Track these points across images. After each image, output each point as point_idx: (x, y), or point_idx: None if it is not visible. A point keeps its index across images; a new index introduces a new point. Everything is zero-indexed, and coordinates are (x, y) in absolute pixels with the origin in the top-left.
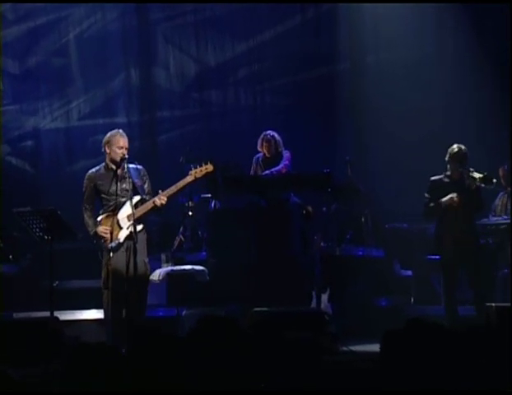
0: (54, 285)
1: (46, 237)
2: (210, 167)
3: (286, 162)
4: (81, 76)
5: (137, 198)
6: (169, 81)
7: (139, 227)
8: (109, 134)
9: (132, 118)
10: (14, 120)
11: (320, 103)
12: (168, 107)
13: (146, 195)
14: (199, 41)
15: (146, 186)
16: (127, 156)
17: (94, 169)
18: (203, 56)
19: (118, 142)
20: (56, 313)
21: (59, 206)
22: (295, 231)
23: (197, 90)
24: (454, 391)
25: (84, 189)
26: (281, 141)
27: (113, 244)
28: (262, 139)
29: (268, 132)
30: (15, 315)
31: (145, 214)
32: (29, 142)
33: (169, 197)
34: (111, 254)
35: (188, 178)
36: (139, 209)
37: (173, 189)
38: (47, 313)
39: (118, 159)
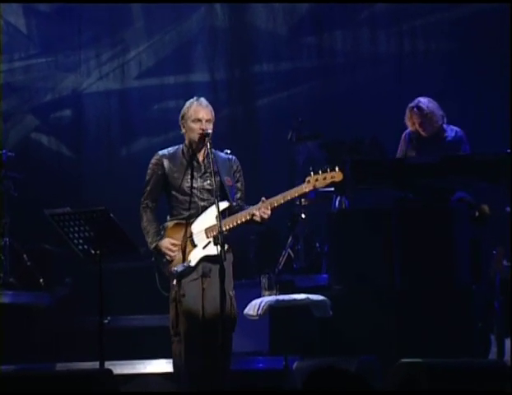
0: (105, 321)
1: (93, 251)
2: (338, 176)
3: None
4: (143, 14)
5: (224, 205)
6: (271, 21)
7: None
8: (184, 106)
9: (218, 74)
10: (44, 79)
11: (499, 49)
12: (270, 58)
13: (238, 199)
14: None
15: (238, 185)
16: (209, 131)
17: (166, 151)
18: None
19: (196, 113)
20: (108, 364)
21: (111, 205)
22: (462, 243)
23: (312, 32)
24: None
25: (148, 177)
26: (438, 112)
27: (178, 268)
28: (411, 111)
29: (417, 100)
30: (56, 366)
31: (232, 229)
32: (66, 112)
33: (273, 210)
34: (183, 286)
35: (304, 188)
36: (225, 221)
37: (280, 199)
38: (95, 364)
39: (196, 138)
